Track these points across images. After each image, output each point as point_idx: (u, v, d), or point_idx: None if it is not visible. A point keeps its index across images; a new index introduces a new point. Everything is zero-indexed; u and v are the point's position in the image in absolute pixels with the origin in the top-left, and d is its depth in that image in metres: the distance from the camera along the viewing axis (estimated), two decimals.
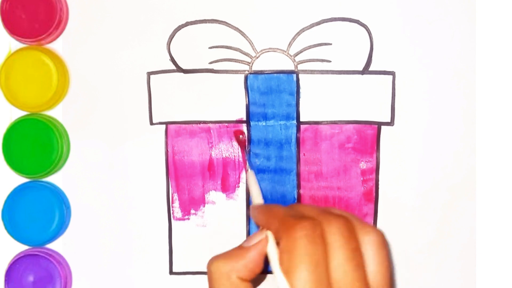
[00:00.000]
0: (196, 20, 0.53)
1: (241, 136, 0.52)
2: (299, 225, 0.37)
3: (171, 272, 0.54)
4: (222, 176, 0.54)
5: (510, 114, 0.51)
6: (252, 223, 0.54)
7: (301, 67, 0.53)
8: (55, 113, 0.54)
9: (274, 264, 0.38)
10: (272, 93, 0.53)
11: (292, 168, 0.53)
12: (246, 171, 0.52)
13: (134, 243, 0.54)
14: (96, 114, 0.54)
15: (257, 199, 0.48)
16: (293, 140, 0.53)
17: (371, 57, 0.53)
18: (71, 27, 0.54)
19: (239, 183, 0.54)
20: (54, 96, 0.52)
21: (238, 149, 0.53)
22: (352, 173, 0.53)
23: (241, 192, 0.54)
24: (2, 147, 0.53)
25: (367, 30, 0.53)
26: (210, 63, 0.53)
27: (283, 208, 0.41)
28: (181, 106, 0.53)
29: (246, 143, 0.53)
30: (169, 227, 0.54)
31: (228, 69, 0.53)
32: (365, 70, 0.53)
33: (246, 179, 0.53)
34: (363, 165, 0.53)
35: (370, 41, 0.53)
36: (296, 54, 0.53)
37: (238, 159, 0.53)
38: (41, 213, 0.53)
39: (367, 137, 0.53)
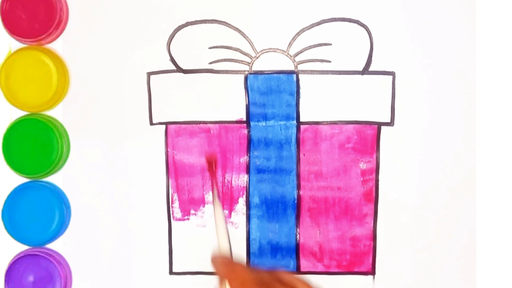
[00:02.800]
0: (196, 20, 0.53)
1: (212, 159, 0.52)
2: None
3: (171, 272, 0.54)
4: (222, 176, 0.54)
5: (510, 114, 0.51)
6: (252, 223, 0.54)
7: (301, 67, 0.53)
8: (55, 113, 0.54)
9: None
10: (272, 93, 0.53)
11: (292, 168, 0.53)
12: (214, 202, 0.51)
13: (134, 243, 0.54)
14: (96, 114, 0.54)
15: (224, 243, 0.49)
16: (293, 140, 0.53)
17: (371, 57, 0.53)
18: (71, 27, 0.54)
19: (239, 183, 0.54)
20: (54, 96, 0.52)
21: (239, 148, 0.53)
22: (352, 173, 0.53)
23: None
24: (2, 147, 0.53)
25: (367, 30, 0.53)
26: (210, 63, 0.53)
27: (246, 270, 0.44)
28: (181, 106, 0.53)
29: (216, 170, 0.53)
30: (169, 227, 0.54)
31: (228, 69, 0.53)
32: (365, 70, 0.53)
33: (214, 215, 0.50)
34: (363, 165, 0.53)
35: (370, 41, 0.53)
36: (296, 54, 0.53)
37: (238, 159, 0.54)
38: (41, 213, 0.53)
39: (367, 137, 0.53)
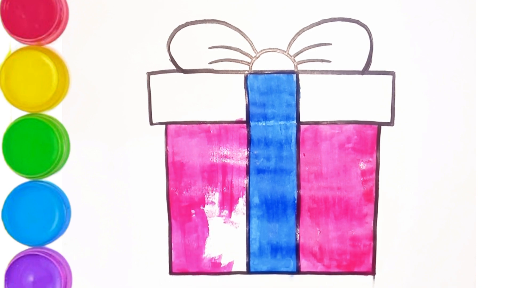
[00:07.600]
0: (196, 20, 0.53)
1: None
2: None
3: (171, 272, 0.54)
4: (222, 176, 0.54)
5: (510, 114, 0.51)
6: (252, 223, 0.54)
7: (301, 67, 0.53)
8: (55, 113, 0.54)
9: None
10: (272, 93, 0.53)
11: (292, 168, 0.53)
12: None
13: (134, 243, 0.54)
14: (96, 114, 0.54)
15: None
16: (293, 140, 0.53)
17: (371, 57, 0.53)
18: (71, 27, 0.54)
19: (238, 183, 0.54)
20: (54, 96, 0.52)
21: (239, 148, 0.53)
22: (352, 173, 0.53)
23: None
24: (2, 147, 0.53)
25: (367, 30, 0.53)
26: (210, 63, 0.53)
27: None
28: (181, 106, 0.53)
29: None
30: (169, 227, 0.54)
31: (228, 69, 0.53)
32: (365, 70, 0.53)
33: None
34: (363, 165, 0.53)
35: (370, 41, 0.53)
36: (296, 54, 0.53)
37: (238, 159, 0.54)
38: (41, 213, 0.53)
39: (367, 137, 0.53)
